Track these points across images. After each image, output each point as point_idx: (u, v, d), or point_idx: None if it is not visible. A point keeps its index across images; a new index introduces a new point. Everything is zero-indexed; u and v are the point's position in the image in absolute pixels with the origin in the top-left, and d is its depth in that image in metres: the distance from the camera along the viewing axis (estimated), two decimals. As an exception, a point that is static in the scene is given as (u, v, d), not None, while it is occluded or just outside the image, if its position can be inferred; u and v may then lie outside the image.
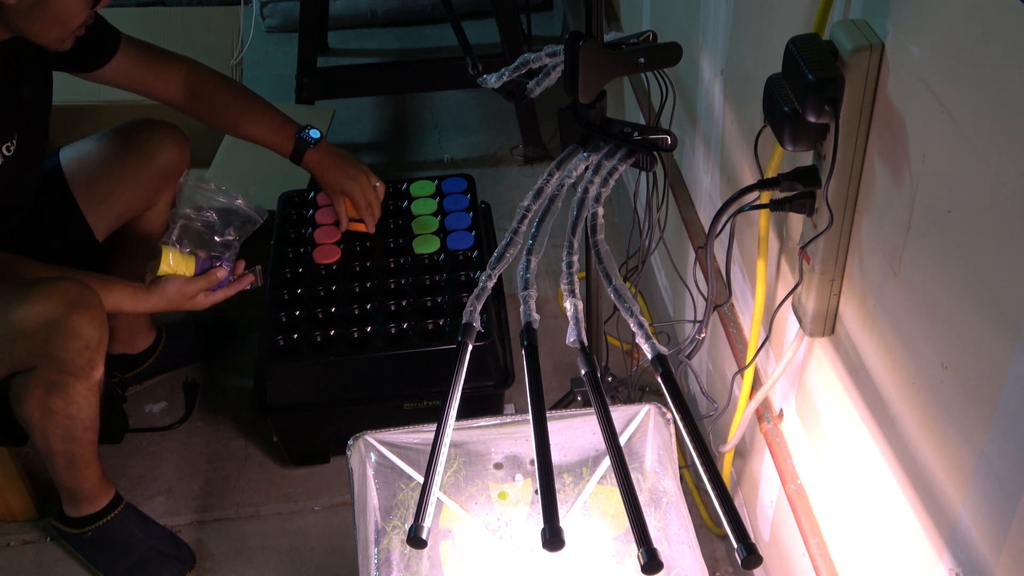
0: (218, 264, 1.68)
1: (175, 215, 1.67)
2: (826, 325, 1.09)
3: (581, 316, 1.07)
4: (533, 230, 1.17)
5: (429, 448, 1.03)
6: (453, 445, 1.36)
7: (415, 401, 1.79)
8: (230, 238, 1.69)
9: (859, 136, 0.94)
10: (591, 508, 1.34)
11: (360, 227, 1.95)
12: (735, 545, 0.89)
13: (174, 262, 1.63)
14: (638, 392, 1.88)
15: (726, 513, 0.91)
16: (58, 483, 1.66)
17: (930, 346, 0.87)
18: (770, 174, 1.08)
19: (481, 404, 1.82)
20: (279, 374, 1.77)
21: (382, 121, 3.04)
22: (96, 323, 1.48)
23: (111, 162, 1.79)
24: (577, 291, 1.09)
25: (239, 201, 1.70)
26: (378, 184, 1.94)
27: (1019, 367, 0.72)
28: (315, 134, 1.86)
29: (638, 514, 0.90)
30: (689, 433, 0.97)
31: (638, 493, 0.93)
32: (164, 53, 1.80)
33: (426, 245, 1.95)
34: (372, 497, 1.36)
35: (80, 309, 1.45)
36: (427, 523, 0.98)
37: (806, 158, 1.02)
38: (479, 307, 1.13)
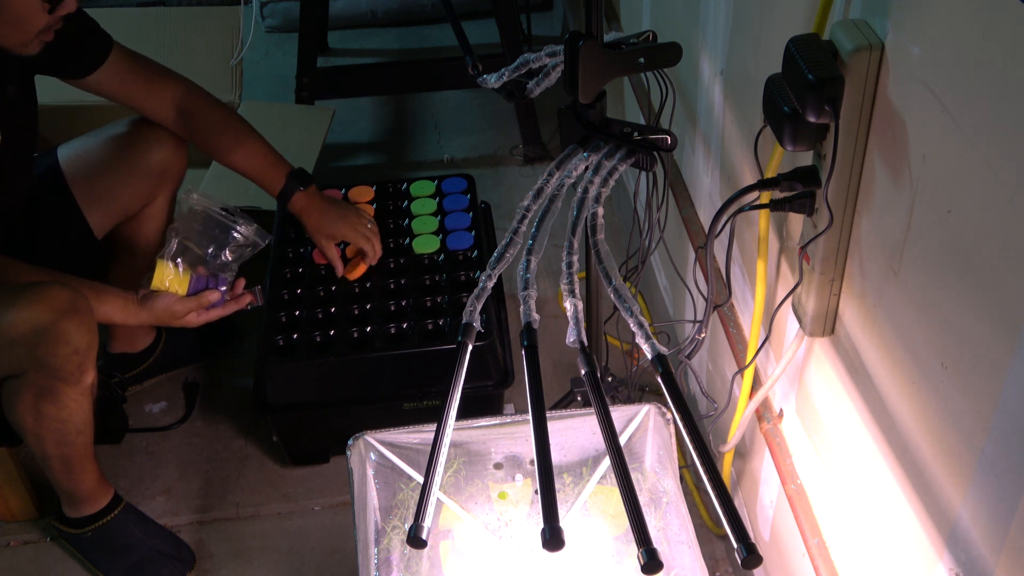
0: (213, 285, 1.66)
1: (172, 231, 1.65)
2: (826, 325, 1.09)
3: (581, 316, 1.07)
4: (533, 230, 1.17)
5: (429, 448, 1.03)
6: (453, 445, 1.36)
7: (415, 401, 1.79)
8: (227, 260, 1.67)
9: (859, 136, 0.94)
10: (591, 508, 1.34)
11: (359, 271, 1.88)
12: (735, 545, 0.89)
13: (167, 279, 1.62)
14: (638, 392, 1.88)
15: (726, 513, 0.91)
16: (56, 485, 1.66)
17: (930, 346, 0.87)
18: (770, 174, 1.08)
19: (481, 404, 1.82)
20: (279, 374, 1.77)
21: (382, 121, 3.04)
22: (84, 329, 1.47)
23: (109, 159, 1.79)
24: (577, 291, 1.09)
25: (240, 227, 1.66)
26: (371, 224, 1.90)
27: (1019, 367, 0.72)
28: (308, 177, 1.83)
29: (638, 514, 0.90)
30: (689, 433, 0.97)
31: (638, 493, 0.93)
32: (161, 70, 1.76)
33: (426, 245, 1.95)
34: (372, 497, 1.36)
35: (69, 315, 1.44)
36: (427, 523, 0.98)
37: (806, 158, 1.02)
38: (479, 307, 1.13)
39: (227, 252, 1.66)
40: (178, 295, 1.63)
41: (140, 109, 1.78)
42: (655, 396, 1.92)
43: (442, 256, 1.93)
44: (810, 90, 0.87)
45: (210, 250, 1.66)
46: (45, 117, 2.43)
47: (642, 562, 0.88)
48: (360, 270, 1.89)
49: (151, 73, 1.75)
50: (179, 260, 1.63)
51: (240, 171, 1.84)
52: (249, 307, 1.73)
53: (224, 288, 1.67)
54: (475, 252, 1.93)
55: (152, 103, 1.76)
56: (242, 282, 1.71)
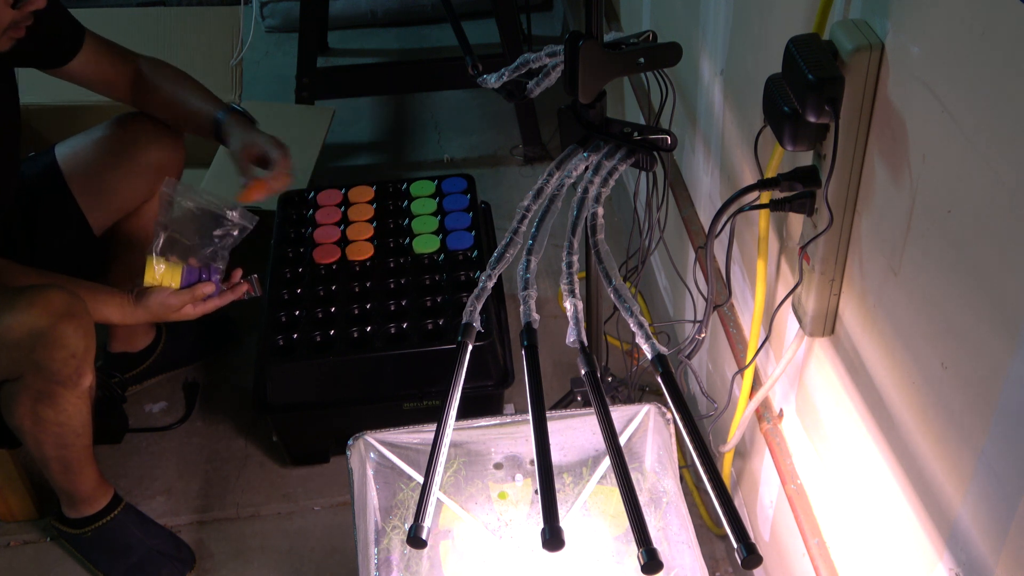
0: (205, 276, 1.65)
1: (158, 225, 1.63)
2: (826, 325, 1.09)
3: (581, 316, 1.07)
4: (533, 230, 1.17)
5: (429, 448, 1.02)
6: (453, 445, 1.36)
7: (415, 401, 1.79)
8: (216, 247, 1.64)
9: (859, 136, 0.93)
10: (591, 508, 1.34)
11: (254, 191, 1.68)
12: (735, 545, 0.89)
13: (159, 274, 1.61)
14: (638, 392, 1.88)
15: (726, 513, 0.91)
16: (55, 486, 1.66)
17: (930, 346, 0.87)
18: (770, 174, 1.08)
19: (481, 404, 1.82)
20: (279, 374, 1.77)
21: (382, 121, 3.04)
22: (81, 332, 1.46)
23: (106, 156, 1.78)
24: (577, 291, 1.09)
25: (225, 212, 1.64)
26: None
27: (1019, 367, 0.72)
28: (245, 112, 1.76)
29: (638, 514, 0.90)
30: (689, 433, 0.96)
31: (638, 493, 0.93)
32: (124, 51, 1.76)
33: (426, 245, 1.95)
34: (372, 497, 1.36)
35: (66, 319, 1.44)
36: (427, 523, 0.98)
37: (806, 158, 1.02)
38: (479, 307, 1.13)
39: (215, 239, 1.64)
40: (172, 289, 1.62)
41: (108, 91, 1.76)
42: (655, 396, 1.92)
43: (442, 256, 1.93)
44: (810, 90, 0.87)
45: (197, 239, 1.63)
46: (44, 117, 2.43)
47: (642, 562, 0.88)
48: (256, 190, 1.69)
49: (118, 53, 1.75)
50: (168, 254, 1.62)
51: (178, 118, 1.79)
52: (247, 296, 1.70)
53: (218, 277, 1.66)
54: (475, 252, 1.93)
55: (120, 81, 1.75)
56: (239, 272, 1.69)
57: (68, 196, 1.77)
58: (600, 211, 1.19)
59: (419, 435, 1.35)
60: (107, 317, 1.59)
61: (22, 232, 1.74)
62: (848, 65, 0.89)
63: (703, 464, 0.94)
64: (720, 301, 1.34)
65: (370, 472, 1.36)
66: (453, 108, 3.04)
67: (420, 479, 1.34)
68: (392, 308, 1.83)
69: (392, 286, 1.88)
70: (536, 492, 1.33)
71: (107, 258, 1.90)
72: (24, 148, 1.74)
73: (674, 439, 1.34)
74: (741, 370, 1.33)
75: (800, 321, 1.12)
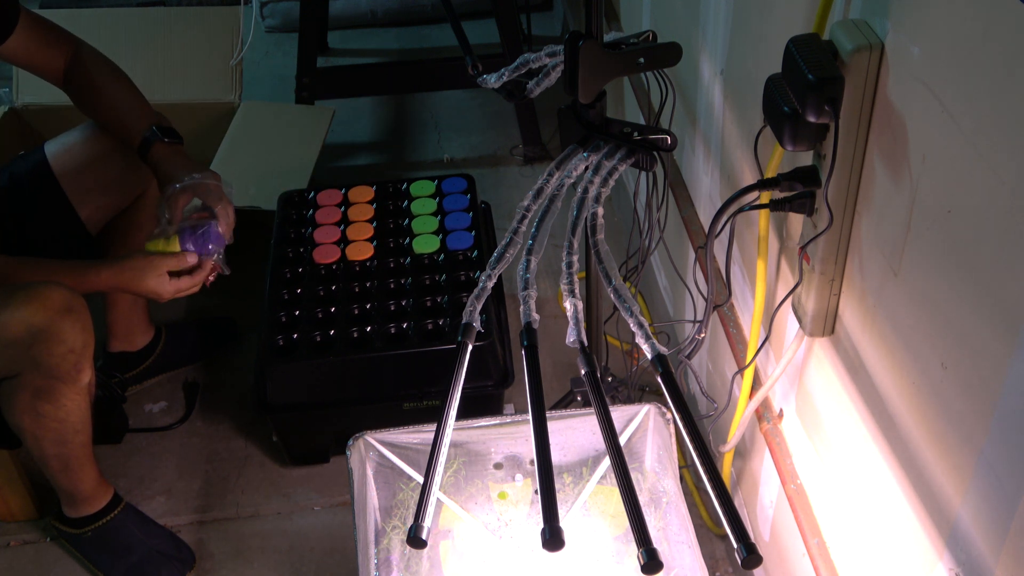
0: (204, 249, 1.61)
1: (161, 215, 1.62)
2: (826, 325, 1.09)
3: (581, 316, 1.07)
4: (533, 230, 1.17)
5: (429, 448, 1.03)
6: (453, 445, 1.36)
7: (415, 401, 1.79)
8: (204, 209, 1.62)
9: (859, 136, 0.94)
10: (591, 508, 1.34)
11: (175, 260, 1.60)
12: (735, 545, 0.89)
13: (160, 243, 1.59)
14: (638, 392, 1.88)
15: (726, 513, 0.91)
16: (55, 485, 1.66)
17: (930, 346, 0.87)
18: (770, 174, 1.08)
19: (481, 404, 1.82)
20: (279, 374, 1.77)
21: (382, 121, 3.04)
22: (79, 327, 1.46)
23: (97, 152, 1.76)
24: (577, 291, 1.09)
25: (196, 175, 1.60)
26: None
27: (1019, 367, 0.72)
28: (174, 134, 1.69)
29: (638, 514, 0.90)
30: (689, 433, 0.96)
31: (638, 493, 0.93)
32: (59, 31, 1.69)
33: (426, 245, 1.95)
34: (372, 497, 1.36)
35: (63, 314, 1.44)
36: (427, 523, 0.98)
37: (806, 158, 1.02)
38: (479, 307, 1.13)
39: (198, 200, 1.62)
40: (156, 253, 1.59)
41: (43, 75, 1.71)
42: (655, 396, 1.92)
43: (442, 256, 1.93)
44: (810, 90, 0.87)
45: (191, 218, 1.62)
46: (44, 117, 2.43)
47: (642, 562, 0.88)
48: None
49: (55, 37, 1.69)
50: (168, 232, 1.60)
51: (104, 120, 1.74)
52: (217, 274, 1.66)
53: (211, 255, 1.62)
54: (475, 252, 1.93)
55: (51, 68, 1.69)
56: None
57: (60, 194, 1.75)
58: (600, 211, 1.19)
59: (419, 435, 1.35)
60: (94, 286, 1.56)
61: (16, 232, 1.73)
62: (848, 65, 0.89)
63: (703, 464, 0.94)
64: (720, 301, 1.34)
65: (370, 472, 1.36)
66: (453, 108, 3.04)
67: (420, 479, 1.34)
68: (392, 308, 1.83)
69: (392, 286, 1.88)
70: (536, 492, 1.33)
71: (103, 256, 1.89)
72: (17, 147, 1.72)
73: (674, 439, 1.34)
74: (741, 370, 1.33)
75: (800, 321, 1.12)
